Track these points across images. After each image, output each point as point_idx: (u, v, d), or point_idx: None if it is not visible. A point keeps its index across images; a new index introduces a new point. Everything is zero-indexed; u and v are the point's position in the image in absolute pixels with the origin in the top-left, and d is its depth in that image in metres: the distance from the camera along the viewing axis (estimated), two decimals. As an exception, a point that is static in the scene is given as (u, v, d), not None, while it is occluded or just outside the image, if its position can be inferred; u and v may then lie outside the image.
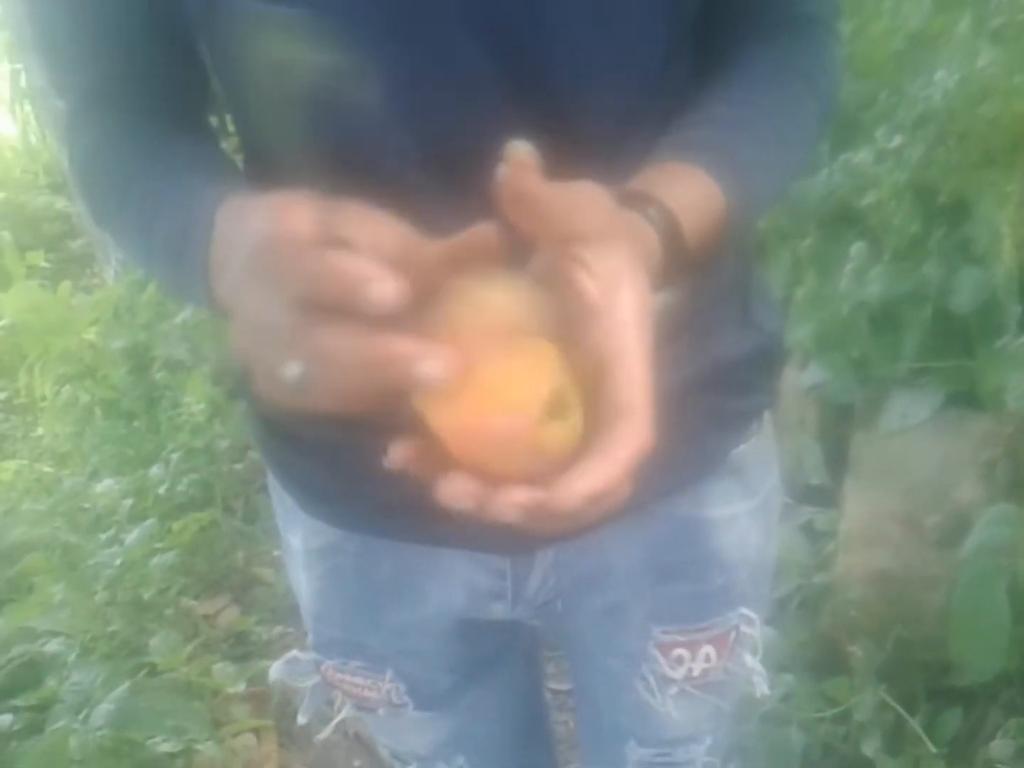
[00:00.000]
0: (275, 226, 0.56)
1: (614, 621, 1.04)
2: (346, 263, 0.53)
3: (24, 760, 1.76)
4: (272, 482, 1.04)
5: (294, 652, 1.10)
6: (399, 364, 0.53)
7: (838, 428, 2.15)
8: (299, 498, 1.00)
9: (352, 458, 0.88)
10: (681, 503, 0.96)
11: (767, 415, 1.01)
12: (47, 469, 3.58)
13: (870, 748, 1.78)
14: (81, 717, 1.74)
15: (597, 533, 0.94)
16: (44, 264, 5.09)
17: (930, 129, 2.12)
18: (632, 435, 0.55)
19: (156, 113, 0.86)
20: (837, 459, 2.11)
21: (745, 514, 1.00)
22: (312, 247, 0.54)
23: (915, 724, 1.77)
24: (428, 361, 0.52)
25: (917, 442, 1.97)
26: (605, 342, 0.57)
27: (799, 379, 2.16)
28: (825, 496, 2.12)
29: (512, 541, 0.91)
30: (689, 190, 0.72)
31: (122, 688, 1.73)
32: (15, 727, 2.09)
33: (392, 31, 0.72)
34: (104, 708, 1.68)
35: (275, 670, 1.11)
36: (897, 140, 2.16)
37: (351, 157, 0.75)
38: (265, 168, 0.84)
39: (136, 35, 0.82)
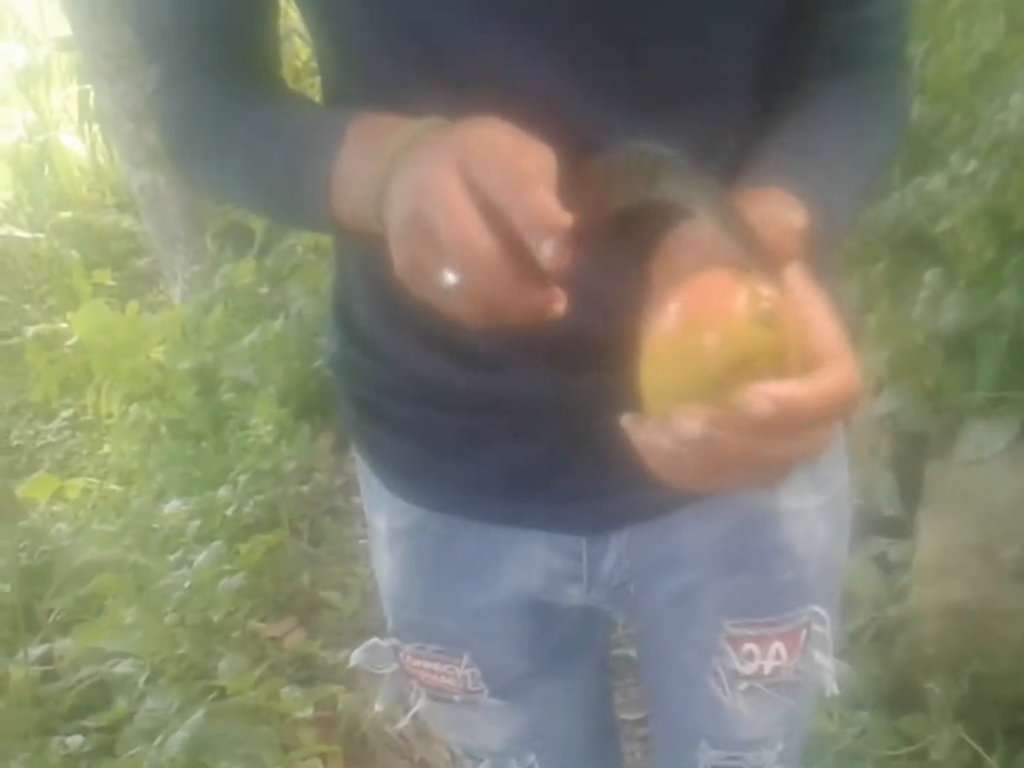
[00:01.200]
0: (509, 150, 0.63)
1: (685, 610, 1.05)
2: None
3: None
4: (360, 465, 1.08)
5: (374, 639, 1.12)
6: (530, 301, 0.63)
7: (912, 457, 2.12)
8: (385, 477, 1.03)
9: (438, 436, 0.95)
10: (752, 492, 0.96)
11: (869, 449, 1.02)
12: (114, 487, 3.62)
13: (948, 787, 1.75)
14: (156, 744, 1.75)
15: (670, 516, 0.97)
16: (110, 282, 5.15)
17: (1005, 153, 2.10)
18: (846, 371, 0.59)
19: (246, 70, 0.91)
20: (911, 489, 2.09)
21: (815, 508, 1.00)
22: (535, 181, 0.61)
23: (993, 763, 1.74)
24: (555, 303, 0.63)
25: (993, 472, 1.94)
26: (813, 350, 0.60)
27: (873, 407, 2.14)
28: (899, 527, 2.10)
29: (589, 520, 0.97)
30: (775, 208, 0.73)
31: (196, 717, 1.74)
32: (85, 748, 2.11)
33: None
34: (179, 736, 1.69)
35: (355, 656, 1.14)
36: (972, 165, 2.14)
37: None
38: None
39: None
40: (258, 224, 3.76)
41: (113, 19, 3.89)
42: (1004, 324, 1.96)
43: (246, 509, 2.99)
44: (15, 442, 4.58)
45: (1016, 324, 1.94)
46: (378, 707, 1.16)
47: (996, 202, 2.07)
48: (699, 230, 0.66)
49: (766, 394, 0.55)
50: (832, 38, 0.87)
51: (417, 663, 1.10)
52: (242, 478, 3.09)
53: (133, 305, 4.20)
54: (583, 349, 0.84)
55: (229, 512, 2.98)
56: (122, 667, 2.32)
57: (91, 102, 5.67)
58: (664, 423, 0.59)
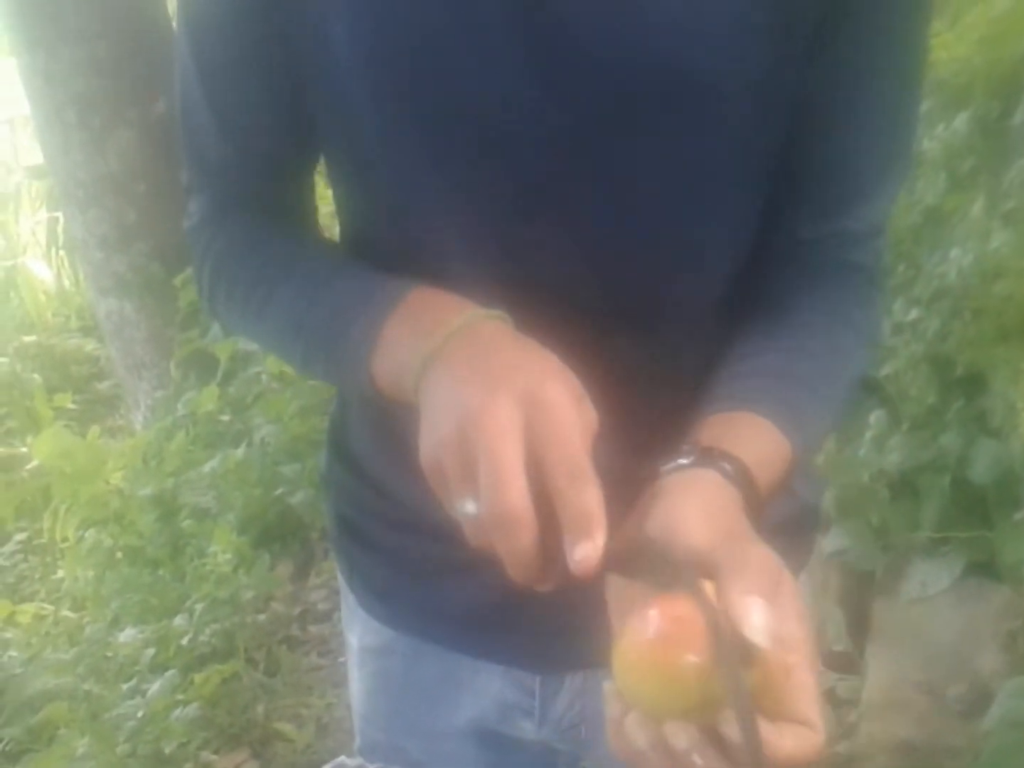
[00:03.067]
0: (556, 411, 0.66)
1: None
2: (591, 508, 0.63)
3: None
4: (341, 581, 1.12)
5: (341, 757, 1.14)
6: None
7: (860, 594, 2.17)
8: (360, 595, 1.08)
9: (410, 561, 1.00)
10: None
11: (800, 579, 1.05)
12: (67, 614, 3.58)
13: None
14: None
15: None
16: (71, 406, 5.15)
17: (946, 304, 2.19)
18: (813, 742, 0.59)
19: (291, 212, 0.96)
20: (859, 625, 2.13)
21: None
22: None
23: None
24: (583, 545, 0.62)
25: (938, 610, 1.99)
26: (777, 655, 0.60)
27: (822, 544, 2.19)
28: (847, 662, 2.13)
29: (544, 659, 1.00)
30: (759, 445, 0.76)
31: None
32: None
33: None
34: None
35: None
36: (914, 313, 2.23)
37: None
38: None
39: (274, 141, 0.92)
40: (223, 352, 3.80)
41: (87, 149, 3.97)
42: (946, 466, 2.02)
43: (202, 638, 2.97)
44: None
45: (958, 466, 2.01)
46: None
47: (937, 349, 2.15)
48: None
49: (741, 720, 0.56)
50: (808, 246, 0.90)
51: None
52: (199, 606, 3.07)
53: (94, 430, 4.20)
54: None
55: (184, 641, 2.95)
56: (72, 799, 2.30)
57: (60, 229, 5.75)
58: (646, 724, 0.60)
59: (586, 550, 0.62)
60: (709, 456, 0.73)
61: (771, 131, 0.83)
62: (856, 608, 2.15)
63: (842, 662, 2.13)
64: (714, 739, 0.58)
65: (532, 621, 0.95)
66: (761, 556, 0.64)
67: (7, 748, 2.54)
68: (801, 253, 0.90)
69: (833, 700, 2.09)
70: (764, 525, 0.91)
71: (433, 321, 0.74)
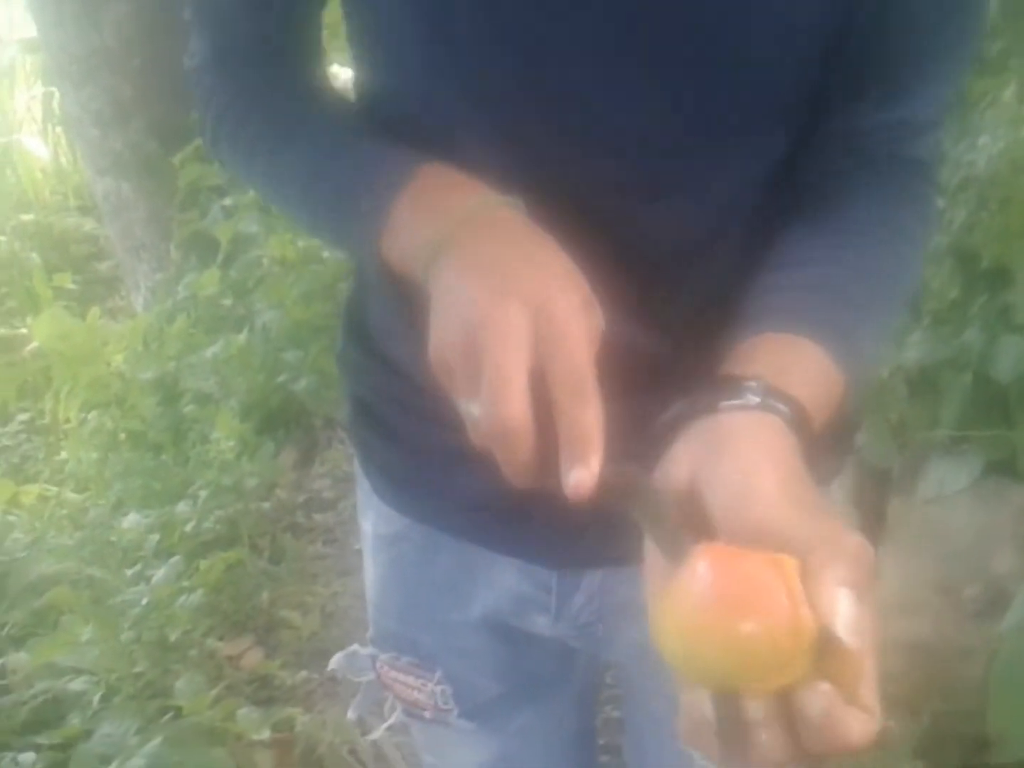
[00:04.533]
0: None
1: (655, 661, 1.03)
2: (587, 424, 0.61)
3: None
4: (356, 467, 1.09)
5: (355, 646, 1.13)
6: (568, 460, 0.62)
7: (876, 493, 2.13)
8: (375, 482, 1.05)
9: (428, 449, 0.97)
10: None
11: (835, 484, 1.02)
12: (70, 495, 3.58)
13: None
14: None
15: None
16: (71, 286, 5.09)
17: (972, 194, 2.12)
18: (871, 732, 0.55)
19: (304, 63, 0.92)
20: (874, 525, 2.10)
21: None
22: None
23: (951, 800, 1.75)
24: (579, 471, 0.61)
25: (955, 510, 1.95)
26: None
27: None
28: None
29: (562, 556, 0.97)
30: (810, 375, 0.71)
31: (154, 744, 1.72)
32: (37, 765, 2.08)
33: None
34: (136, 764, 1.67)
35: (335, 661, 1.15)
36: (939, 204, 2.15)
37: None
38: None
39: None
40: (224, 234, 3.73)
41: (81, 22, 3.85)
42: (968, 363, 1.97)
43: (206, 525, 2.96)
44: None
45: (979, 363, 1.96)
46: (350, 715, 1.17)
47: (962, 242, 2.08)
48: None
49: (823, 700, 0.53)
50: (864, 136, 0.84)
51: (392, 674, 1.10)
52: (202, 493, 3.06)
53: (94, 312, 4.16)
54: None
55: (188, 527, 2.95)
56: (77, 683, 2.29)
57: (55, 105, 5.62)
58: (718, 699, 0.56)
59: (580, 476, 0.61)
60: (774, 397, 0.66)
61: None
62: (871, 507, 2.11)
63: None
64: (783, 715, 0.54)
65: (549, 516, 0.91)
66: (856, 545, 0.57)
67: (11, 632, 2.53)
68: (856, 144, 0.84)
69: (845, 599, 2.07)
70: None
71: (443, 205, 0.72)
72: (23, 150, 6.15)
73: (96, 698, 2.26)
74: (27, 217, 5.87)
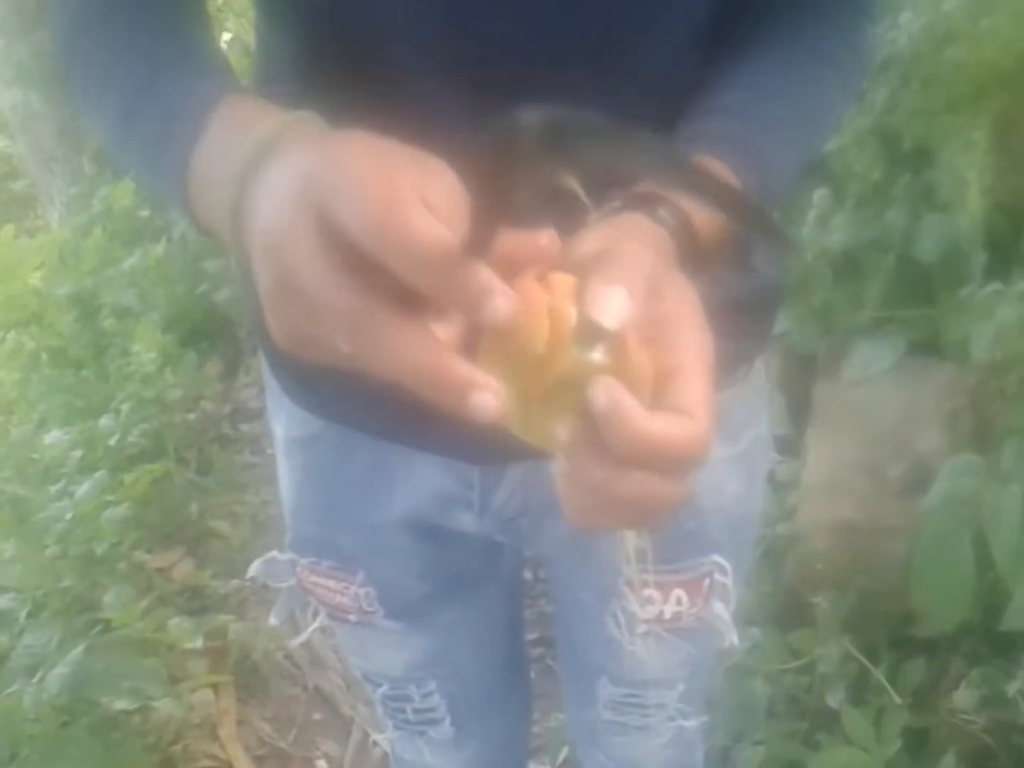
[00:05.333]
0: (375, 197, 0.49)
1: (582, 552, 1.04)
2: (472, 274, 0.49)
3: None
4: (264, 369, 1.05)
5: (273, 552, 1.10)
6: (455, 389, 0.51)
7: (801, 377, 2.13)
8: (285, 384, 1.01)
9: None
10: None
11: (758, 363, 1.00)
12: (-7, 416, 3.51)
13: (834, 699, 1.78)
14: (36, 680, 1.70)
15: None
16: (-16, 205, 4.96)
17: (894, 73, 2.09)
18: (691, 430, 0.55)
19: None
20: (799, 408, 2.10)
21: (723, 460, 0.98)
22: (435, 245, 0.49)
23: (879, 674, 1.77)
24: (482, 394, 0.51)
25: (880, 391, 1.96)
26: (665, 358, 0.56)
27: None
28: (788, 446, 2.11)
29: (484, 451, 0.91)
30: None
31: (77, 651, 1.69)
32: (-37, 684, 2.06)
33: None
34: (59, 672, 1.64)
35: (253, 568, 1.11)
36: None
37: (375, 50, 0.75)
38: (276, 55, 0.84)
39: None
40: (138, 144, 3.62)
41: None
42: (891, 244, 1.96)
43: (130, 438, 2.91)
44: None
45: (903, 243, 1.95)
46: (272, 621, 1.15)
47: (884, 122, 2.06)
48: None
49: (605, 386, 0.52)
50: None
51: (313, 579, 1.08)
52: (125, 407, 3.00)
53: (8, 229, 4.04)
54: None
55: (112, 442, 2.89)
56: (2, 601, 2.25)
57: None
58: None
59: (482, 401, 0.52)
60: (641, 201, 0.65)
61: None
62: (797, 391, 2.11)
63: (783, 445, 2.11)
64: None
65: None
66: (639, 257, 0.58)
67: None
68: None
69: (773, 483, 2.08)
70: (721, 300, 0.84)
71: (234, 147, 0.60)
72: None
73: (23, 615, 2.22)
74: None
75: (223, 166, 0.61)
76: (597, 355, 0.53)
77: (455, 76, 0.74)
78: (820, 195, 2.10)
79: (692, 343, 0.57)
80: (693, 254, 0.66)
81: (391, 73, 0.76)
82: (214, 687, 2.33)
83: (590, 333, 0.53)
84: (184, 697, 2.21)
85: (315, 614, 1.12)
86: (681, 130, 0.75)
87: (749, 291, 0.90)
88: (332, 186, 0.51)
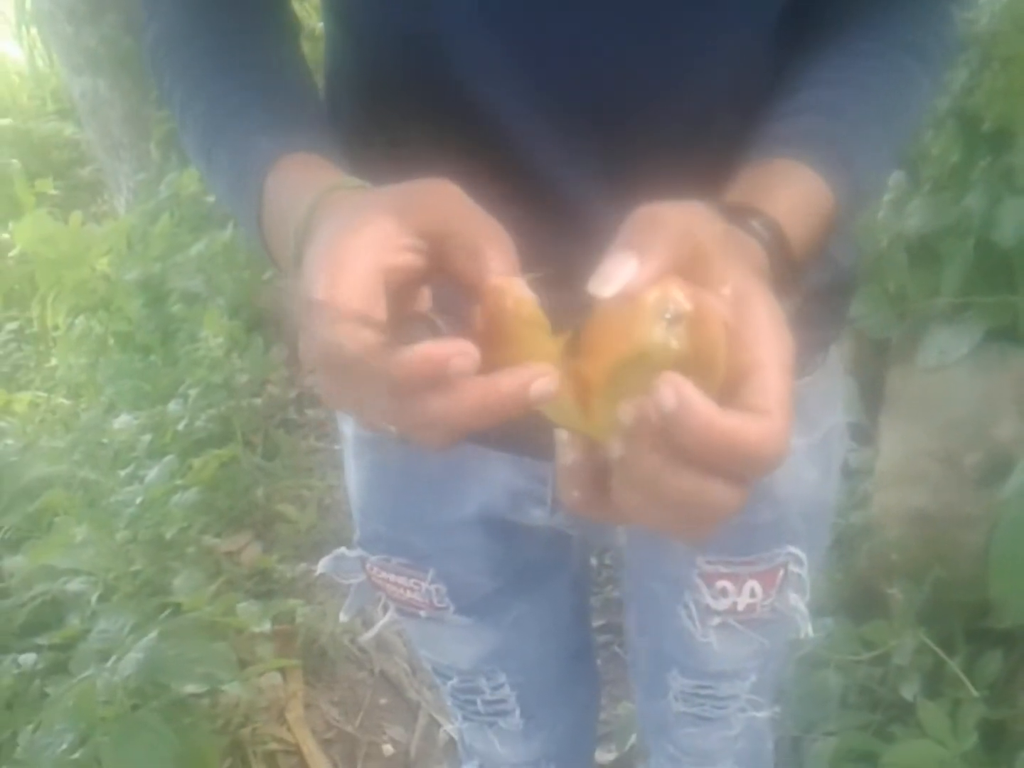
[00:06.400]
0: (335, 330, 0.53)
1: (655, 544, 1.04)
2: (422, 356, 0.51)
3: (52, 704, 1.74)
4: None
5: (341, 549, 1.10)
6: (515, 399, 0.52)
7: (874, 363, 2.10)
8: None
9: None
10: None
11: (832, 350, 0.98)
12: (63, 401, 3.56)
13: (909, 691, 1.75)
14: (109, 664, 1.72)
15: None
16: (53, 192, 5.01)
17: (974, 53, 2.04)
18: (766, 430, 0.51)
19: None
20: (873, 395, 2.06)
21: (801, 449, 0.96)
22: (380, 356, 0.52)
23: (954, 666, 1.74)
24: (538, 381, 0.52)
25: (956, 378, 1.92)
26: (741, 356, 0.53)
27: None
28: (861, 434, 2.08)
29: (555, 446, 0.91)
30: (795, 194, 0.67)
31: (150, 637, 1.70)
32: (38, 666, 2.08)
33: None
34: (133, 657, 1.65)
35: (322, 565, 1.12)
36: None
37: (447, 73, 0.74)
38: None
39: None
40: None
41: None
42: (969, 228, 1.92)
43: (198, 423, 2.93)
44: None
45: (982, 228, 1.90)
46: (342, 618, 1.15)
47: (964, 103, 2.02)
48: None
49: (672, 383, 0.49)
50: None
51: (383, 575, 1.08)
52: (193, 391, 3.03)
53: (76, 215, 4.08)
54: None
55: (180, 426, 2.92)
56: (74, 584, 2.28)
57: (27, 3, 5.46)
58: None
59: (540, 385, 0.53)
60: (735, 213, 0.63)
61: None
62: (870, 378, 2.08)
63: (856, 433, 2.07)
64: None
65: None
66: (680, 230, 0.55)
67: (6, 536, 2.51)
68: None
69: (846, 471, 2.04)
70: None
71: (294, 201, 0.64)
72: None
73: (94, 598, 2.24)
74: (4, 122, 5.75)
75: (282, 229, 0.65)
76: (668, 338, 0.51)
77: (533, 97, 0.74)
78: (896, 178, 2.06)
79: (771, 341, 0.54)
80: (787, 267, 0.64)
81: (461, 94, 0.75)
82: (282, 671, 2.34)
83: (661, 311, 0.51)
84: (252, 681, 2.22)
85: (385, 609, 1.12)
86: (764, 132, 0.72)
87: (823, 278, 0.88)
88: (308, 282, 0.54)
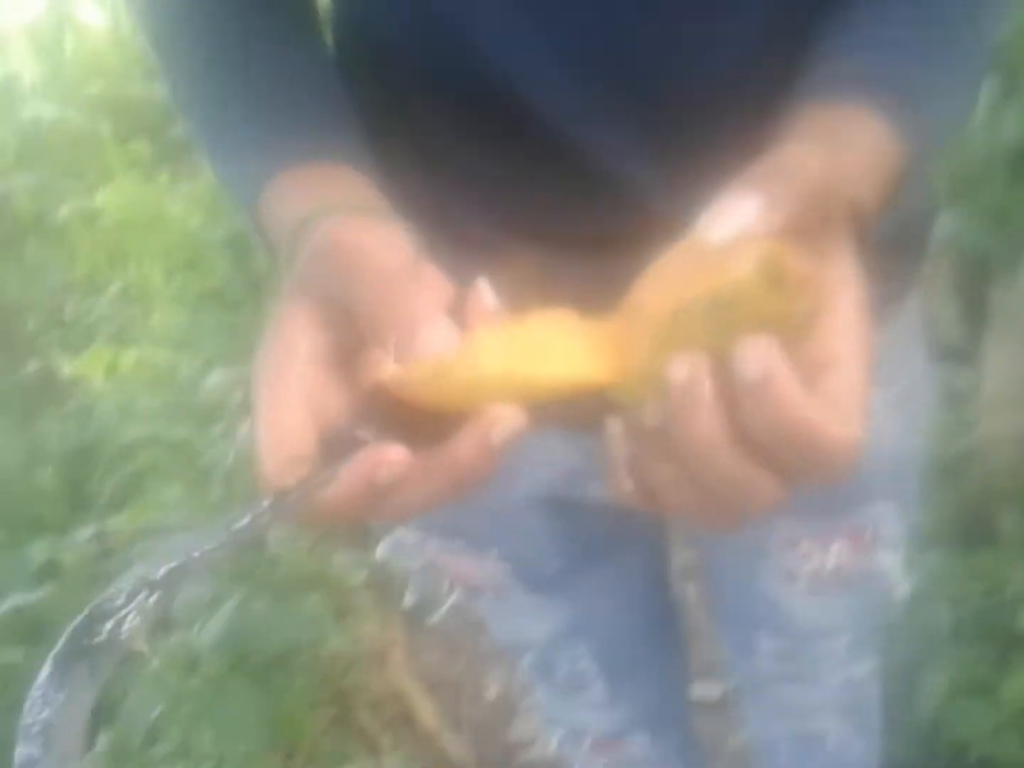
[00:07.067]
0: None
1: None
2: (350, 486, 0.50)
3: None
4: None
5: (400, 531, 1.07)
6: (482, 458, 0.50)
7: (975, 281, 2.01)
8: None
9: None
10: None
11: (910, 299, 0.91)
12: (164, 357, 3.60)
13: (1024, 621, 1.68)
14: (202, 623, 1.73)
15: None
16: (146, 153, 5.05)
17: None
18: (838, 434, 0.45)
19: None
20: (975, 314, 1.98)
21: (882, 404, 0.89)
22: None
23: (1071, 594, 1.66)
24: (495, 428, 0.50)
25: (1063, 292, 1.83)
26: (825, 344, 0.48)
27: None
28: (963, 355, 1.99)
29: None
30: (861, 151, 0.59)
31: (235, 599, 1.70)
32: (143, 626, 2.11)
33: None
34: (220, 619, 1.65)
35: (382, 549, 1.10)
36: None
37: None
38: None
39: None
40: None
41: None
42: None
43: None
44: (70, 316, 4.59)
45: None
46: (407, 602, 1.12)
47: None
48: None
49: (758, 348, 0.43)
50: None
51: (444, 558, 1.06)
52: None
53: (164, 176, 4.11)
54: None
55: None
56: (173, 543, 2.30)
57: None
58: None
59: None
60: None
61: None
62: (971, 296, 1.99)
63: (957, 354, 1.99)
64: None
65: None
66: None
67: (108, 499, 2.55)
68: None
69: (950, 395, 1.96)
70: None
71: (290, 216, 0.63)
72: (80, 21, 6.04)
73: (195, 554, 2.26)
74: (94, 88, 5.79)
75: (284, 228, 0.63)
76: (767, 290, 0.44)
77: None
78: (992, 84, 1.95)
79: (851, 333, 0.49)
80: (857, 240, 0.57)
81: (483, 68, 0.72)
82: (381, 619, 2.34)
83: (768, 264, 0.44)
84: (351, 631, 2.22)
85: (450, 590, 1.10)
86: (817, 71, 0.64)
87: (897, 224, 0.81)
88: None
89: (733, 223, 0.47)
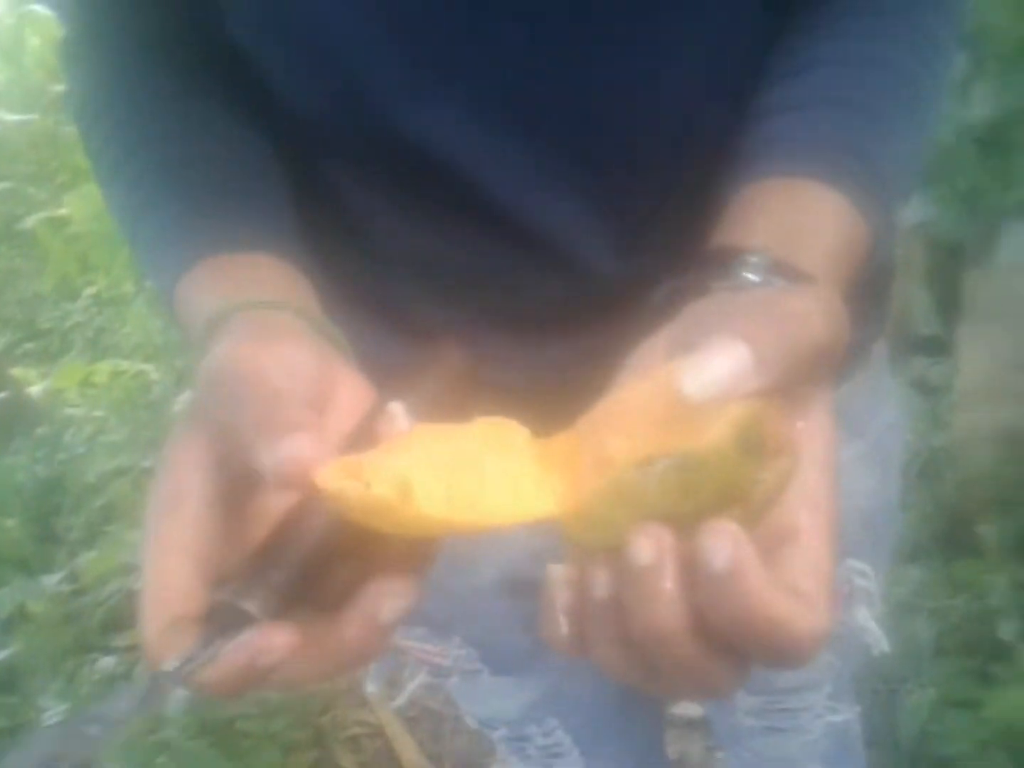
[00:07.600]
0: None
1: None
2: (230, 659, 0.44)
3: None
4: None
5: None
6: (370, 637, 0.46)
7: (948, 269, 1.94)
8: None
9: None
10: None
11: (876, 347, 0.86)
12: (141, 367, 3.57)
13: (1008, 632, 1.63)
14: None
15: None
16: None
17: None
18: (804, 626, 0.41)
19: (161, 58, 0.70)
20: (949, 304, 1.91)
21: (851, 459, 0.86)
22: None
23: (1056, 601, 1.61)
24: (385, 608, 0.45)
25: (1039, 277, 1.77)
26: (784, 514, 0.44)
27: (902, 216, 1.94)
28: (938, 346, 1.93)
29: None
30: (833, 237, 0.55)
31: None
32: (119, 668, 2.08)
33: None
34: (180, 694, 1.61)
35: None
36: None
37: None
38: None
39: None
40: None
41: None
42: (1045, 108, 1.75)
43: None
44: (44, 325, 4.58)
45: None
46: (369, 688, 1.07)
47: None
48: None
49: (731, 535, 0.40)
50: None
51: (407, 643, 1.00)
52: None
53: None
54: None
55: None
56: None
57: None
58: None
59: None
60: (778, 274, 0.52)
61: None
62: (945, 285, 1.92)
63: (931, 346, 1.92)
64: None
65: None
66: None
67: (76, 536, 2.51)
68: None
69: (924, 389, 1.90)
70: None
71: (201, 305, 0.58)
72: (42, 20, 5.96)
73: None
74: (58, 88, 5.73)
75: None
76: (746, 463, 0.41)
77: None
78: (958, 61, 1.88)
79: (815, 497, 0.45)
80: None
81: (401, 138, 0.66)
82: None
83: (752, 432, 0.41)
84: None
85: (413, 674, 1.05)
86: (758, 130, 0.60)
87: (863, 278, 0.75)
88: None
89: (716, 377, 0.43)
